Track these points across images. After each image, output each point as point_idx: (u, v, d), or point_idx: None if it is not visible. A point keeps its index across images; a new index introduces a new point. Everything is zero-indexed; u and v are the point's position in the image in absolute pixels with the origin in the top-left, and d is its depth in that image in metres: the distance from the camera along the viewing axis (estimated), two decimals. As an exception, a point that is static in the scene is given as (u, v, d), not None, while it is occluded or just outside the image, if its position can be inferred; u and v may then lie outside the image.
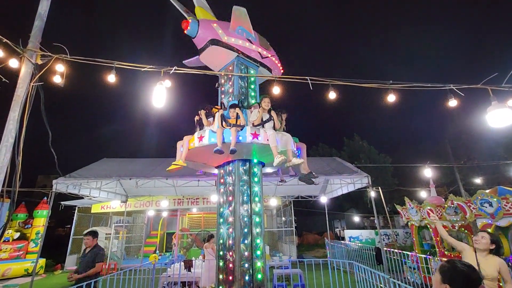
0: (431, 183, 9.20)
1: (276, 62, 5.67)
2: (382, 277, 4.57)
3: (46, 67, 3.23)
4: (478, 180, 21.73)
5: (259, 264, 4.02)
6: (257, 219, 4.23)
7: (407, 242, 19.12)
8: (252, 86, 5.26)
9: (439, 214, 7.75)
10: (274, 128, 4.52)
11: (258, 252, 4.09)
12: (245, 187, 4.33)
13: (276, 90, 4.25)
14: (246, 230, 4.08)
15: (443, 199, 8.35)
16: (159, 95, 3.43)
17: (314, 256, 15.67)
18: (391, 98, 3.86)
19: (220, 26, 4.89)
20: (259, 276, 3.99)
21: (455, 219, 7.56)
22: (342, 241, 13.60)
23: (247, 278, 3.88)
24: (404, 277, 8.01)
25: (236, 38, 4.95)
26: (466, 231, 7.70)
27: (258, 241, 4.12)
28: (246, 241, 4.03)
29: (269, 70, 5.57)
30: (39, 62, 3.29)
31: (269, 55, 5.37)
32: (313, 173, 4.53)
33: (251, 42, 5.14)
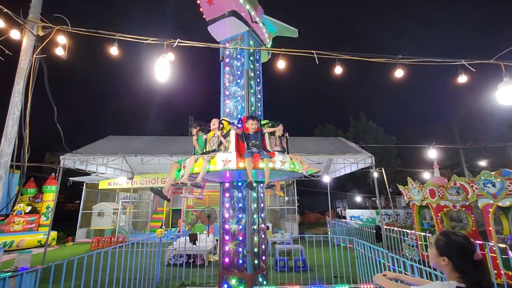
0: (435, 164, 9.17)
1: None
2: (382, 252, 4.69)
3: (48, 39, 3.18)
4: (483, 163, 21.54)
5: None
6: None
7: (407, 222, 19.43)
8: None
9: (441, 194, 7.80)
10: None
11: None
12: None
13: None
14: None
15: (446, 180, 8.36)
16: (162, 68, 3.37)
17: (315, 234, 16.07)
18: (399, 73, 3.74)
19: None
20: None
21: (456, 199, 7.62)
22: (343, 220, 13.87)
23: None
24: (403, 254, 8.23)
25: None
26: (467, 211, 7.79)
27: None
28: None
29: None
30: (41, 33, 3.24)
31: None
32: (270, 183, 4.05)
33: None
